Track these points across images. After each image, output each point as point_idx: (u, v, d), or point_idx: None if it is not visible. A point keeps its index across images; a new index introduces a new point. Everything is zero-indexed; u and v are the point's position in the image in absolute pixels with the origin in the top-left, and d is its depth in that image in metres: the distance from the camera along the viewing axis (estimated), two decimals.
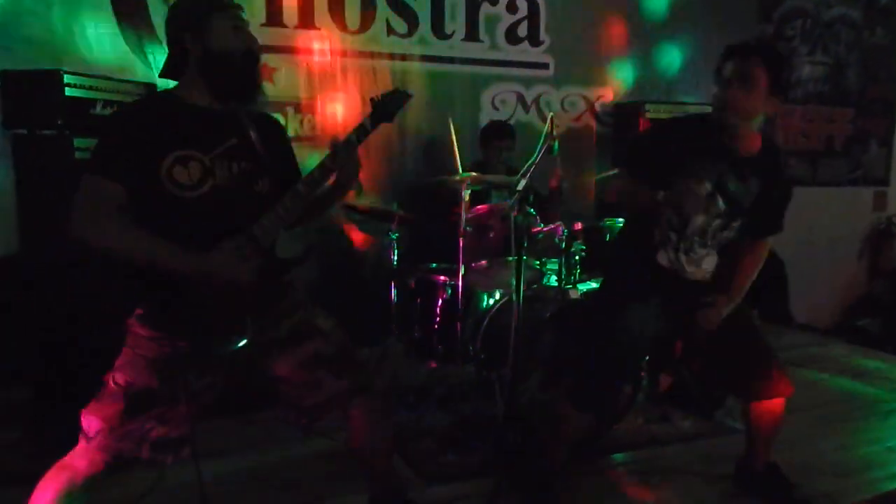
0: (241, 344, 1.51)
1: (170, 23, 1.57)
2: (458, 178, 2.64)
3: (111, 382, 1.50)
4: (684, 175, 1.84)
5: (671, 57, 4.06)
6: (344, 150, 1.58)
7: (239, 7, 1.58)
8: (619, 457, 2.44)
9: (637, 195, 1.94)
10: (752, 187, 1.90)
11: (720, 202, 1.87)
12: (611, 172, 2.94)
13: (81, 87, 2.56)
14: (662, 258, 1.93)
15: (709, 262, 1.93)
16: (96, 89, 2.62)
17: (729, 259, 1.99)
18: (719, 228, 1.90)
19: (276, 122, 1.79)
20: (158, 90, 2.83)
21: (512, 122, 3.59)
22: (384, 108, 1.60)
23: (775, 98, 1.86)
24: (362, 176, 1.65)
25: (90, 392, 1.53)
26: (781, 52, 1.99)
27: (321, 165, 1.58)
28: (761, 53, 1.84)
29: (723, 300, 1.96)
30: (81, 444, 1.51)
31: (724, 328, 1.99)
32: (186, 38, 1.52)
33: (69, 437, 1.52)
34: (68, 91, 2.51)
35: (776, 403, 2.01)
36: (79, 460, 1.50)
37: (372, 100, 1.61)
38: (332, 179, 1.63)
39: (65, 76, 2.51)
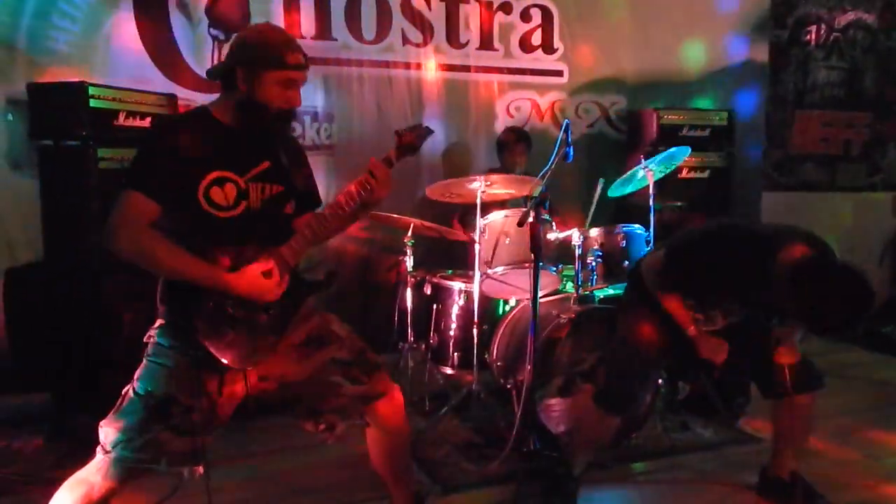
0: (258, 362, 1.54)
1: (234, 48, 1.58)
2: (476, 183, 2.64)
3: (130, 392, 1.53)
4: (712, 297, 1.94)
5: (686, 63, 4.05)
6: (376, 179, 1.59)
7: (301, 67, 1.55)
8: (638, 465, 2.42)
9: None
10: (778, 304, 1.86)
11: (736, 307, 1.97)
12: (624, 177, 2.94)
13: (105, 98, 2.62)
14: None
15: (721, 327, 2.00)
16: (120, 101, 2.68)
17: None
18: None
19: (299, 145, 1.83)
20: (196, 107, 2.88)
21: (527, 129, 3.60)
22: (409, 141, 1.63)
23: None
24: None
25: (109, 402, 1.55)
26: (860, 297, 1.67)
27: (348, 193, 1.60)
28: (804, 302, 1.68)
29: (789, 333, 1.99)
30: (98, 456, 1.51)
31: (744, 332, 1.99)
32: (238, 71, 1.53)
33: (89, 444, 1.54)
34: (93, 103, 2.58)
35: (806, 404, 1.98)
36: (94, 474, 1.50)
37: (397, 133, 1.64)
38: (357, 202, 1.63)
39: (89, 88, 2.57)
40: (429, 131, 1.67)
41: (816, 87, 4.58)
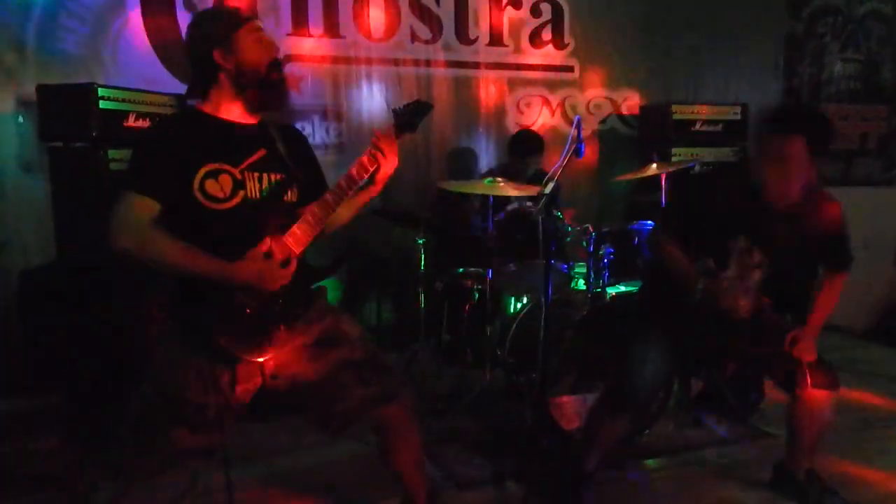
0: (271, 351, 1.53)
1: (195, 42, 1.59)
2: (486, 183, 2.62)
3: (144, 391, 1.53)
4: (721, 232, 1.93)
5: (698, 57, 4.00)
6: (381, 150, 1.59)
7: (256, 17, 1.62)
8: (652, 462, 2.40)
9: (679, 258, 1.99)
10: (791, 239, 1.94)
11: (755, 253, 1.94)
12: (629, 176, 2.91)
13: (115, 99, 2.63)
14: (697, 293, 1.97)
15: (744, 304, 1.97)
16: (129, 101, 2.68)
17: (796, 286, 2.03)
18: (756, 276, 1.96)
19: (300, 132, 1.82)
20: (186, 106, 2.89)
21: (537, 125, 3.58)
22: (407, 118, 1.62)
23: (818, 159, 1.88)
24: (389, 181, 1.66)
25: (124, 400, 1.55)
26: (823, 116, 1.94)
27: (348, 176, 1.60)
28: (801, 130, 1.84)
29: (809, 332, 1.98)
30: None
31: (760, 328, 1.97)
32: (215, 55, 1.54)
33: (104, 444, 1.54)
34: (102, 104, 2.58)
35: (822, 401, 1.96)
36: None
37: (394, 111, 1.63)
38: (364, 179, 1.63)
39: (99, 90, 2.57)
40: (428, 106, 1.65)
41: (833, 79, 4.51)
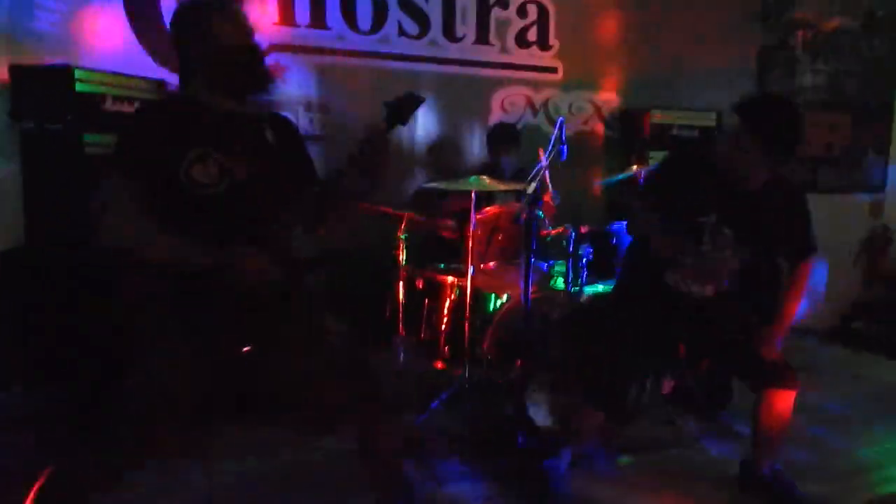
0: (254, 346, 1.52)
1: (174, 29, 1.60)
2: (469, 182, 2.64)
3: (124, 383, 1.50)
4: (691, 208, 2.01)
5: (677, 64, 4.09)
6: (371, 148, 1.59)
7: (234, 2, 1.61)
8: (624, 460, 2.46)
9: (655, 230, 2.06)
10: (757, 218, 2.02)
11: (726, 232, 2.02)
12: (620, 176, 2.97)
13: (92, 82, 2.56)
14: (669, 278, 2.05)
15: (711, 285, 2.05)
16: (107, 84, 2.61)
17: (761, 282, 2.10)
18: (724, 254, 2.03)
19: (290, 121, 1.80)
20: (170, 89, 2.83)
21: (520, 125, 3.61)
22: (399, 111, 1.62)
23: (773, 159, 1.96)
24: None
25: (101, 391, 1.53)
26: (793, 112, 1.99)
27: (337, 170, 1.60)
28: (758, 129, 1.92)
29: (776, 329, 2.05)
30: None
31: (728, 329, 2.06)
32: (191, 42, 1.55)
33: (74, 436, 1.50)
34: (78, 87, 2.51)
35: (785, 401, 2.04)
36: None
37: (386, 103, 1.62)
38: (349, 178, 1.63)
39: (75, 71, 2.50)
40: (420, 99, 1.65)
41: (802, 89, 4.66)
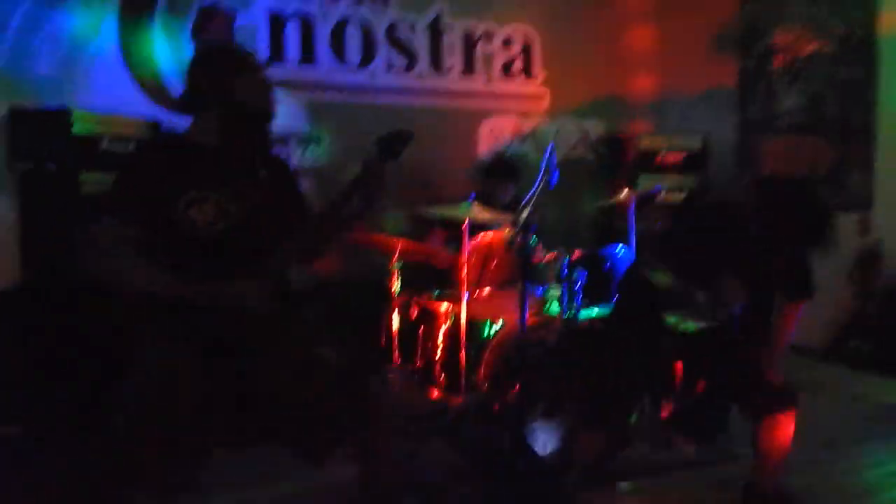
0: (253, 376, 1.53)
1: (193, 74, 1.61)
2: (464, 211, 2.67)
3: (119, 413, 1.50)
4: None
5: (662, 90, 4.19)
6: (363, 184, 1.63)
7: (265, 67, 1.67)
8: (624, 484, 2.44)
9: None
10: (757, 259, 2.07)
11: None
12: (604, 202, 3.01)
13: (88, 122, 2.61)
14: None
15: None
16: (103, 124, 2.66)
17: None
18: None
19: (283, 161, 1.86)
20: (164, 130, 2.88)
21: (508, 152, 3.67)
22: (389, 147, 1.66)
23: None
24: None
25: (96, 425, 1.52)
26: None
27: (330, 204, 1.63)
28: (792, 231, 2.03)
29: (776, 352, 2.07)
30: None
31: (722, 351, 2.06)
32: (212, 89, 1.57)
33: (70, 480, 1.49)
34: (76, 128, 2.56)
35: (786, 425, 2.04)
36: None
37: (376, 139, 1.66)
38: (346, 209, 1.67)
39: (72, 114, 2.55)
40: (409, 135, 1.69)
41: (783, 113, 4.77)
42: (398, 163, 1.69)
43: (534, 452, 2.37)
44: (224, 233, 1.55)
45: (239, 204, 1.58)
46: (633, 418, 2.52)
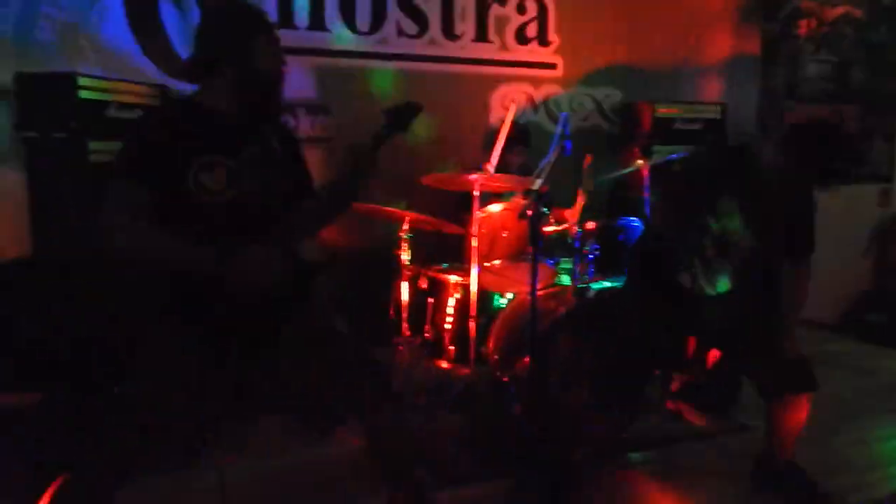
0: (262, 350, 1.53)
1: (207, 35, 1.58)
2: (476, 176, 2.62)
3: (128, 390, 1.51)
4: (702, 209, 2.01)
5: (679, 57, 4.07)
6: (361, 159, 1.59)
7: (276, 27, 1.62)
8: (635, 455, 2.45)
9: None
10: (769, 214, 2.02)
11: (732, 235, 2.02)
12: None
13: (95, 89, 2.57)
14: (685, 280, 2.02)
15: (723, 283, 2.03)
16: (110, 91, 2.62)
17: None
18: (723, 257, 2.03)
19: (292, 133, 1.83)
20: (173, 95, 2.84)
21: (521, 121, 3.59)
22: (398, 119, 1.62)
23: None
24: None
25: (104, 400, 1.53)
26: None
27: (334, 180, 1.62)
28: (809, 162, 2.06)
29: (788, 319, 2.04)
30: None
31: (737, 328, 2.02)
32: (225, 52, 1.54)
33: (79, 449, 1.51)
34: (82, 94, 2.52)
35: (801, 404, 2.02)
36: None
37: (385, 111, 1.63)
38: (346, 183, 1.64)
39: (78, 79, 2.51)
40: (418, 107, 1.66)
41: (806, 80, 4.62)
42: (409, 132, 1.65)
43: (544, 424, 2.37)
44: (235, 200, 1.53)
45: (251, 171, 1.55)
46: (645, 390, 2.51)
